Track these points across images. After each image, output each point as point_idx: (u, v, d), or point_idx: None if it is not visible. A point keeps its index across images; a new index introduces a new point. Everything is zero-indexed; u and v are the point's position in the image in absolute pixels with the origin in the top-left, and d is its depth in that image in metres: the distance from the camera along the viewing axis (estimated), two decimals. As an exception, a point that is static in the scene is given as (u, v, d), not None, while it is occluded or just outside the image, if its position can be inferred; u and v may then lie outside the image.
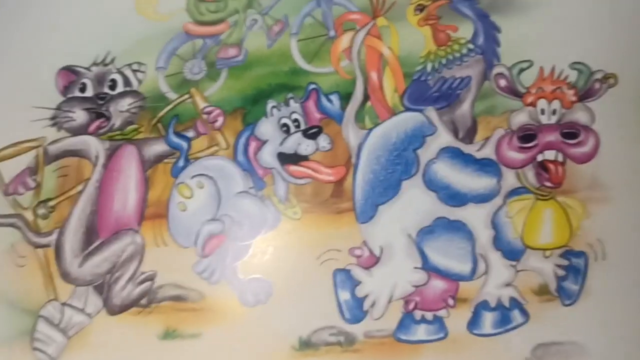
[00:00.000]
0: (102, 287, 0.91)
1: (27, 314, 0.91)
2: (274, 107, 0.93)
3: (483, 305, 0.88)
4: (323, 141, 0.92)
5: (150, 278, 0.91)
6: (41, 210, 0.93)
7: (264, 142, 0.92)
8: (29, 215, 0.92)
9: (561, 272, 0.88)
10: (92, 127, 0.94)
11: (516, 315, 0.88)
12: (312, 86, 0.93)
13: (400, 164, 0.91)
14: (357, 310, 0.89)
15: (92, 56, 0.95)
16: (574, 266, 0.88)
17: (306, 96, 0.93)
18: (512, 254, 0.89)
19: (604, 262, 0.87)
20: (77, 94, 0.95)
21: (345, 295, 0.89)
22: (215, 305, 0.90)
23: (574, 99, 0.90)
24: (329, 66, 0.94)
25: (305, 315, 0.89)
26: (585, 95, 0.90)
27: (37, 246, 0.92)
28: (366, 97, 0.93)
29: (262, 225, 0.91)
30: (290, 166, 0.92)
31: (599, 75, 0.90)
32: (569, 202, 0.89)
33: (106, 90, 0.95)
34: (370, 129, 0.92)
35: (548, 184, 0.89)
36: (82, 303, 0.91)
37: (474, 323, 0.88)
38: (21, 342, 0.91)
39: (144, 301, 0.90)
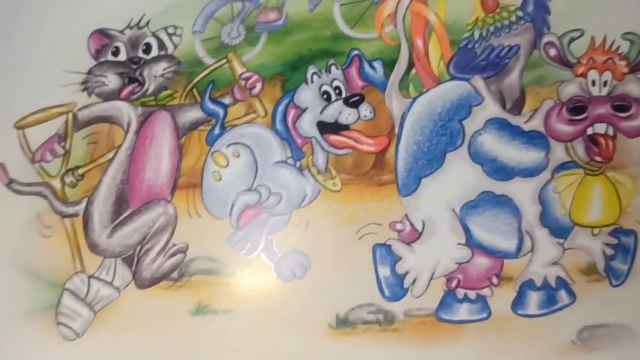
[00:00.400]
0: (132, 260, 0.89)
1: (52, 286, 0.90)
2: (314, 73, 0.90)
3: (528, 285, 0.87)
4: (365, 110, 0.89)
5: (182, 250, 0.89)
6: (69, 179, 0.91)
7: (303, 110, 0.90)
8: (56, 184, 0.91)
9: (610, 251, 0.86)
10: (125, 93, 0.92)
11: (562, 296, 0.86)
12: (355, 52, 0.91)
13: (445, 135, 0.89)
14: (398, 288, 0.87)
15: (126, 19, 0.93)
16: (623, 245, 0.86)
17: (348, 62, 0.91)
18: (560, 231, 0.87)
19: None
20: (110, 57, 0.93)
21: (385, 272, 0.88)
22: (249, 279, 0.89)
23: (625, 70, 0.88)
24: (372, 32, 0.91)
25: (343, 291, 0.88)
26: (637, 66, 0.88)
27: (65, 215, 0.90)
28: (411, 65, 0.90)
29: (300, 197, 0.89)
30: (331, 135, 0.89)
31: None
32: (619, 178, 0.87)
33: (140, 54, 0.93)
34: (415, 98, 0.90)
35: (598, 158, 0.86)
36: (110, 276, 0.89)
37: (518, 303, 0.87)
38: (45, 316, 0.89)
39: (175, 274, 0.89)
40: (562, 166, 0.87)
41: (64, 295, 0.89)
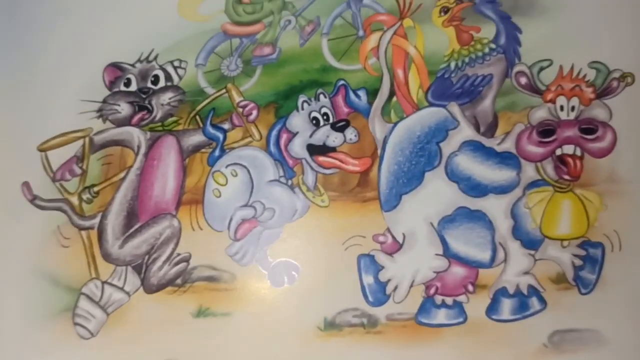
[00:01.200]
0: (141, 267, 0.91)
1: (69, 291, 0.91)
2: (304, 101, 0.91)
3: (502, 292, 0.88)
4: (350, 134, 0.90)
5: (186, 259, 0.90)
6: (86, 195, 0.93)
7: (294, 134, 0.91)
8: (74, 200, 0.92)
9: (578, 262, 0.87)
10: (135, 119, 0.93)
11: (534, 303, 0.87)
12: (341, 82, 0.92)
13: (424, 156, 0.89)
14: (380, 294, 0.88)
15: (137, 53, 0.96)
16: (591, 256, 0.87)
17: (335, 91, 0.92)
18: (531, 244, 0.88)
19: (621, 253, 0.87)
20: (122, 88, 0.95)
21: (369, 279, 0.88)
22: (245, 286, 0.90)
23: (592, 96, 0.88)
24: (357, 64, 0.92)
25: (331, 297, 0.88)
26: (603, 93, 0.89)
27: (82, 228, 0.92)
28: (392, 93, 0.91)
29: (291, 212, 0.90)
30: (319, 157, 0.90)
31: (616, 74, 0.89)
32: (586, 195, 0.88)
33: (149, 85, 0.94)
34: (396, 123, 0.90)
35: (566, 177, 0.87)
36: (122, 282, 0.90)
37: (492, 309, 0.88)
38: (63, 317, 0.91)
39: (179, 281, 0.90)
40: (533, 184, 0.89)
41: (80, 299, 0.91)
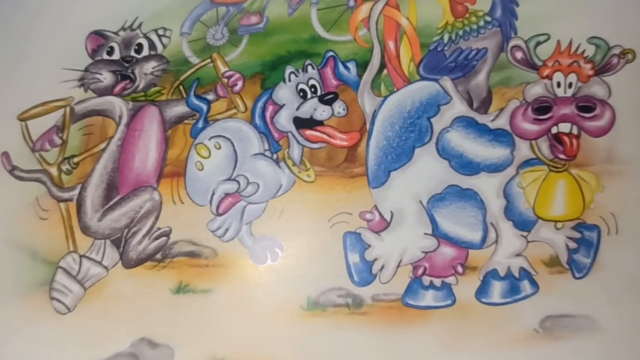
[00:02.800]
0: (120, 241, 0.89)
1: (47, 264, 0.90)
2: (292, 72, 0.89)
3: (492, 274, 0.85)
4: (339, 107, 0.88)
5: (166, 234, 0.88)
6: (65, 166, 0.91)
7: (281, 107, 0.88)
8: (53, 171, 0.91)
9: (573, 245, 0.84)
10: (117, 89, 0.91)
11: (526, 286, 0.84)
12: (330, 53, 0.89)
13: (414, 131, 0.86)
14: (366, 273, 0.86)
15: (121, 21, 0.94)
16: (586, 239, 0.84)
17: (324, 63, 0.89)
18: (524, 225, 0.85)
19: (617, 236, 0.84)
20: (105, 56, 0.93)
21: (354, 258, 0.86)
22: (227, 262, 0.87)
23: (591, 73, 0.85)
24: (347, 35, 0.90)
25: (315, 276, 0.86)
26: (602, 69, 0.85)
27: (60, 200, 0.90)
28: (383, 66, 0.89)
29: (276, 187, 0.88)
30: (306, 130, 0.88)
31: (616, 51, 0.85)
32: (582, 175, 0.85)
33: (132, 53, 0.93)
34: (386, 97, 0.88)
35: (562, 156, 0.84)
36: (100, 256, 0.88)
37: (482, 291, 0.85)
38: (41, 291, 0.89)
39: (158, 256, 0.88)
40: (527, 163, 0.86)
41: (57, 273, 0.89)
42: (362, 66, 0.90)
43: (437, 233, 0.86)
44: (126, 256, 0.89)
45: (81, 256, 0.89)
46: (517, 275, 0.85)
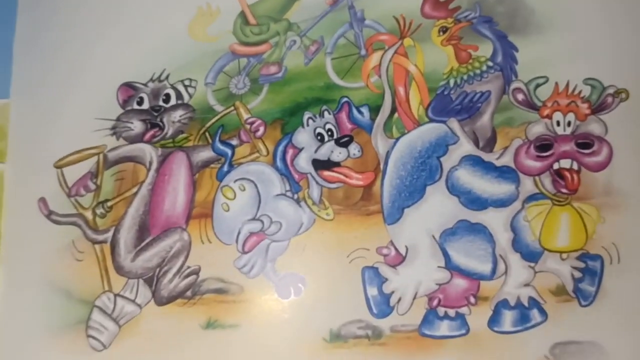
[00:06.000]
0: (152, 280, 0.91)
1: (83, 304, 0.91)
2: (309, 118, 0.92)
3: (503, 304, 0.86)
4: (354, 149, 0.91)
5: (195, 272, 0.90)
6: (100, 210, 0.93)
7: (300, 150, 0.91)
8: (88, 215, 0.93)
9: (578, 274, 0.86)
10: (147, 136, 0.94)
11: (535, 314, 0.86)
12: (345, 99, 0.93)
13: (425, 170, 0.89)
14: (384, 306, 0.87)
15: (149, 73, 0.97)
16: (590, 268, 0.86)
17: (339, 108, 0.92)
18: (531, 256, 0.87)
19: (619, 265, 0.85)
20: (135, 106, 0.96)
21: (373, 291, 0.88)
22: (253, 298, 0.89)
23: (587, 111, 0.88)
24: (359, 81, 0.93)
25: (336, 309, 0.88)
26: (598, 108, 0.88)
27: (95, 242, 0.92)
28: (394, 109, 0.92)
29: (297, 225, 0.90)
30: (324, 171, 0.91)
31: (611, 90, 0.89)
32: (584, 208, 0.87)
33: (161, 103, 0.95)
34: (398, 138, 0.91)
35: (564, 190, 0.87)
36: (133, 294, 0.90)
37: (494, 321, 0.86)
38: (77, 329, 0.91)
39: (188, 293, 0.90)
40: (532, 197, 0.88)
41: (93, 311, 0.90)
42: (375, 110, 0.93)
43: (449, 266, 0.88)
44: (158, 294, 0.91)
45: (116, 295, 0.91)
46: (526, 304, 0.87)
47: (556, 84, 0.90)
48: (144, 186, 0.94)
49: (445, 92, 0.92)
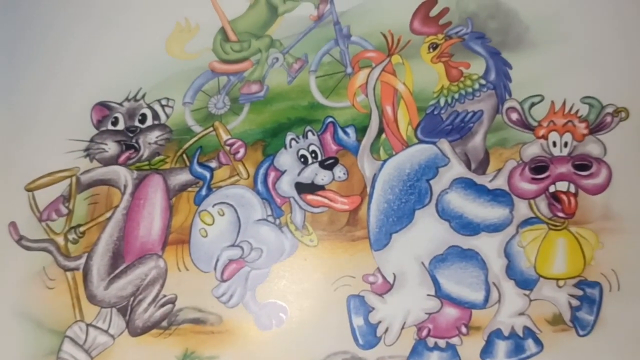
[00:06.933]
0: (126, 309, 0.87)
1: (54, 334, 0.88)
2: (292, 139, 0.89)
3: (496, 334, 0.83)
4: (339, 172, 0.87)
5: (171, 301, 0.87)
6: (72, 236, 0.90)
7: (282, 172, 0.88)
8: (60, 240, 0.90)
9: (575, 302, 0.83)
10: (122, 158, 0.91)
11: (530, 345, 0.83)
12: (329, 119, 0.90)
13: (414, 193, 0.86)
14: (371, 336, 0.84)
15: (125, 92, 0.94)
16: (588, 296, 0.83)
17: (323, 129, 0.89)
18: (525, 283, 0.84)
19: (619, 293, 0.83)
20: (110, 127, 0.92)
21: (359, 321, 0.85)
22: (232, 328, 0.86)
23: (585, 132, 0.85)
24: (345, 101, 0.90)
25: (320, 340, 0.85)
26: (596, 128, 0.85)
27: (67, 269, 0.89)
28: (381, 130, 0.89)
29: (279, 252, 0.87)
30: (308, 195, 0.87)
31: (610, 109, 0.85)
32: (582, 233, 0.84)
33: (136, 123, 0.92)
34: (385, 160, 0.88)
35: (560, 214, 0.84)
36: (107, 324, 0.87)
37: (487, 351, 0.83)
38: None
39: (164, 323, 0.87)
40: (526, 222, 0.85)
41: (64, 342, 0.87)
42: (361, 131, 0.90)
43: (440, 294, 0.85)
44: (132, 324, 0.87)
45: (88, 325, 0.88)
46: (521, 334, 0.84)
47: (552, 102, 0.87)
48: (118, 211, 0.90)
49: (436, 112, 0.89)
